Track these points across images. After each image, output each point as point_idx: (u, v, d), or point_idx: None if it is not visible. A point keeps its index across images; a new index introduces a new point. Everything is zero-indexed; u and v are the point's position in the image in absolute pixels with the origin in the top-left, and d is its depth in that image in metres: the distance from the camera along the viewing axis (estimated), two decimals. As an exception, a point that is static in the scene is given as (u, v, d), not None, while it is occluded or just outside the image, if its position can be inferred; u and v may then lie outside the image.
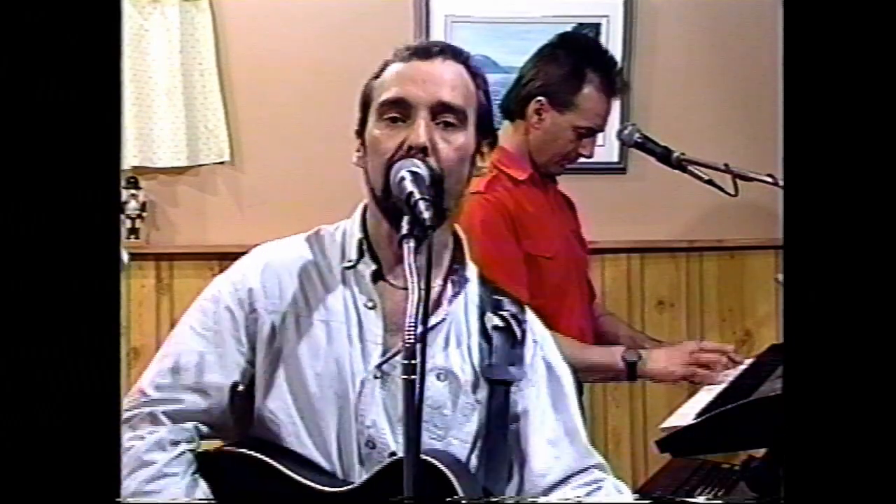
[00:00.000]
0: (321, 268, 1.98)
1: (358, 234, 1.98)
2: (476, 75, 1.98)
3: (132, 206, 3.94)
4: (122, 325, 3.97)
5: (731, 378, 2.83)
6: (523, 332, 2.03)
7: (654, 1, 4.21)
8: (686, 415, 2.58)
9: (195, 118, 4.02)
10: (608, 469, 2.04)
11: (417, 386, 1.55)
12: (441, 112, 1.89)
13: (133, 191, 3.95)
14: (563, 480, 1.97)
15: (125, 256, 2.48)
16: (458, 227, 2.06)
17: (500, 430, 1.96)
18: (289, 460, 1.90)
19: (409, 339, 1.55)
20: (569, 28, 3.94)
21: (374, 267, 1.96)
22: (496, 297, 2.07)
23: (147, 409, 1.92)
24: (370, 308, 1.95)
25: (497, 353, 1.98)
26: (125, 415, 1.91)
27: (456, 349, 1.97)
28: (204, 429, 1.96)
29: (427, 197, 1.74)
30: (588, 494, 1.94)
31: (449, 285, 2.00)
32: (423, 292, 1.59)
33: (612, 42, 4.09)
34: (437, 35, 4.03)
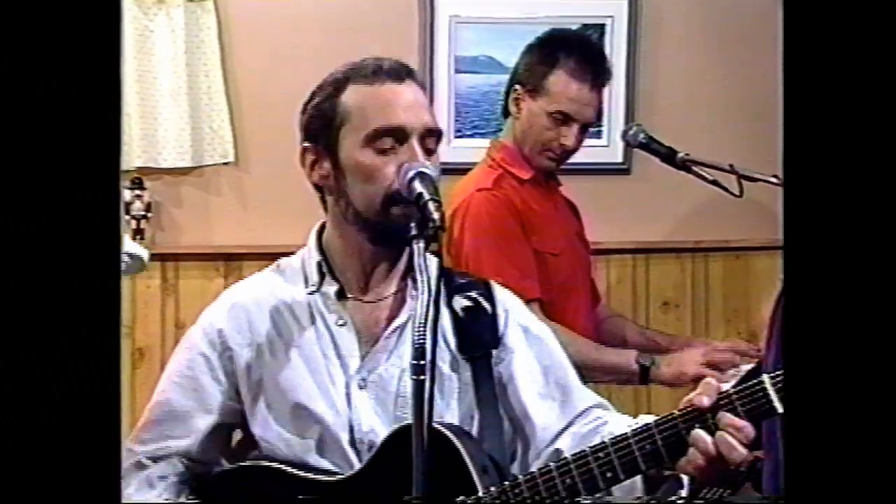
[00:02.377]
0: (286, 298, 2.02)
1: (316, 257, 2.02)
2: (426, 91, 2.03)
3: (137, 206, 3.94)
4: (127, 325, 3.99)
5: (735, 380, 2.83)
6: (493, 305, 2.05)
7: (658, 1, 4.22)
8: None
9: (200, 119, 4.03)
10: (610, 406, 2.06)
11: (427, 388, 1.58)
12: (426, 137, 1.92)
13: (138, 191, 3.94)
14: (566, 428, 1.99)
15: (145, 254, 2.46)
16: None
17: (490, 403, 1.98)
18: (292, 467, 1.94)
19: (420, 339, 1.57)
20: (573, 28, 3.94)
21: (335, 286, 1.99)
22: (461, 280, 2.10)
23: (133, 460, 1.98)
24: (341, 325, 1.99)
25: (470, 329, 2.01)
26: None
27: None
28: (191, 464, 2.01)
29: (437, 198, 1.76)
30: (594, 430, 1.95)
31: (409, 282, 2.01)
32: (432, 293, 1.62)
33: (617, 42, 4.13)
34: (442, 38, 4.04)
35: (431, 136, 1.93)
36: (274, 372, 1.97)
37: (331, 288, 1.99)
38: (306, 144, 2.02)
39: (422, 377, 1.57)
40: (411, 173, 1.82)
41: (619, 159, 4.19)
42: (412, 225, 1.76)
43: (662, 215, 4.29)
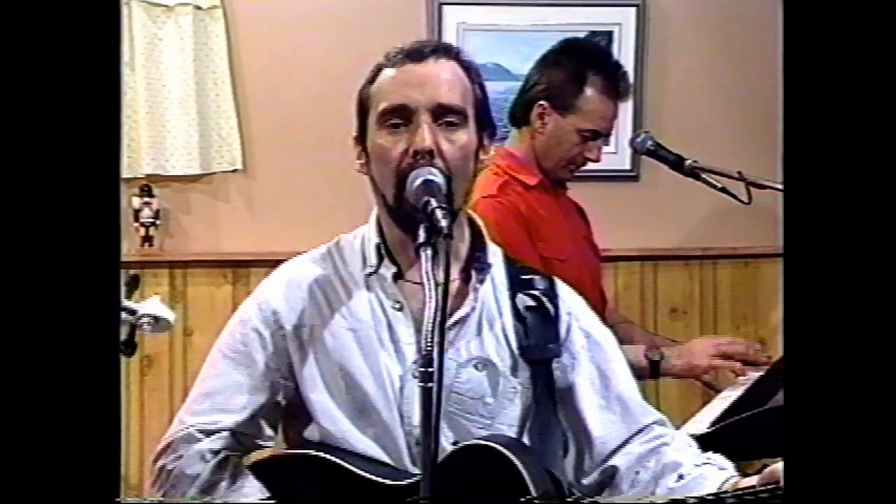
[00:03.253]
0: (343, 277, 2.00)
1: (375, 239, 1.99)
2: (469, 69, 1.97)
3: (146, 213, 3.96)
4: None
5: (745, 386, 2.82)
6: (556, 307, 2.03)
7: (666, 8, 4.23)
8: (700, 423, 2.57)
9: (208, 126, 4.05)
10: (669, 423, 2.02)
11: (435, 397, 1.55)
12: (442, 113, 1.89)
13: (146, 199, 3.96)
14: (625, 443, 1.96)
15: (171, 317, 2.41)
16: (472, 214, 2.07)
17: (548, 409, 1.96)
18: (349, 457, 1.92)
19: (428, 346, 1.55)
20: (581, 36, 3.94)
21: (394, 269, 1.97)
22: (524, 276, 2.06)
23: (184, 432, 1.97)
24: (398, 310, 1.96)
25: (532, 332, 1.98)
26: (165, 441, 1.99)
27: (490, 336, 1.97)
28: (243, 438, 2.00)
29: (444, 205, 1.75)
30: (653, 450, 1.93)
31: (473, 273, 2.00)
32: (440, 301, 1.60)
33: (625, 50, 4.12)
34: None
35: (448, 112, 1.90)
36: (330, 354, 1.95)
37: (388, 270, 1.97)
38: (354, 135, 2.01)
39: (429, 384, 1.55)
40: (417, 181, 1.82)
41: (628, 166, 4.20)
42: (420, 232, 1.73)
43: (671, 222, 4.28)
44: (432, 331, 1.56)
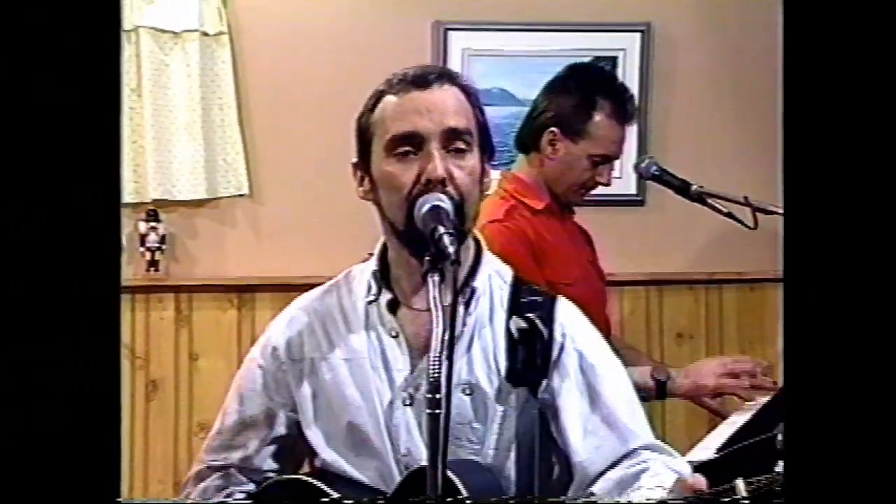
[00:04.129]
0: (345, 308, 2.03)
1: (374, 267, 2.01)
2: (470, 94, 1.97)
3: (152, 238, 3.97)
4: (141, 357, 4.00)
5: (753, 412, 2.81)
6: (550, 329, 1.99)
7: (671, 32, 4.24)
8: (707, 448, 2.56)
9: (214, 151, 4.07)
10: (661, 447, 1.97)
11: (442, 422, 1.56)
12: (451, 139, 1.89)
13: (153, 223, 3.97)
14: (610, 467, 1.93)
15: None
16: (478, 235, 2.06)
17: (535, 432, 1.95)
18: (348, 486, 1.96)
19: (434, 372, 1.56)
20: (586, 61, 3.95)
21: (389, 296, 1.98)
22: (525, 298, 2.03)
23: (197, 468, 2.11)
24: (393, 337, 1.98)
25: (521, 356, 1.97)
26: (186, 477, 2.14)
27: (481, 359, 1.97)
28: (252, 474, 2.08)
29: (451, 231, 1.75)
30: (633, 476, 1.89)
31: (468, 294, 1.98)
32: (448, 328, 1.60)
33: (629, 74, 4.13)
34: (455, 69, 4.04)
35: (458, 137, 1.90)
36: (327, 387, 1.99)
37: (384, 298, 1.98)
38: (354, 161, 2.01)
39: (437, 411, 1.54)
40: (425, 208, 1.82)
41: (634, 191, 4.21)
42: (427, 259, 1.74)
43: (677, 247, 4.29)
44: (440, 357, 1.56)
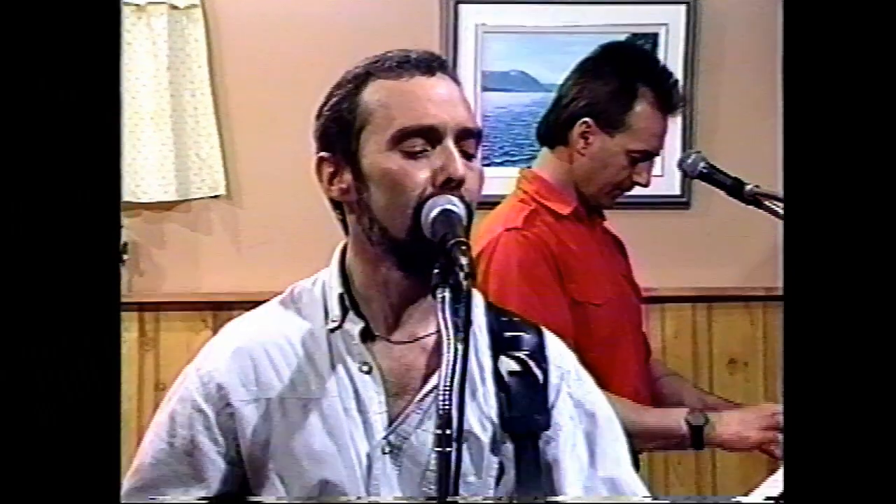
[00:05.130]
0: (303, 336, 1.93)
1: (338, 289, 1.93)
2: (461, 88, 1.95)
3: (112, 247, 3.93)
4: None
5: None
6: (545, 371, 1.99)
7: (720, 7, 4.19)
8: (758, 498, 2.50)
9: (186, 146, 4.04)
10: None
11: (454, 463, 1.58)
12: (463, 138, 1.86)
13: (113, 230, 3.94)
14: None
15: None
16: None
17: (532, 486, 1.93)
18: None
19: (444, 405, 1.55)
20: (621, 39, 3.91)
21: (361, 324, 1.91)
22: (509, 333, 2.02)
23: None
24: (365, 373, 1.90)
25: (517, 402, 1.95)
26: None
27: (472, 405, 1.92)
28: None
29: (464, 240, 1.72)
30: None
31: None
32: (461, 351, 1.60)
33: (672, 55, 4.09)
34: (468, 50, 4.02)
35: (469, 137, 1.86)
36: (285, 434, 1.88)
37: (354, 326, 1.90)
38: (323, 154, 1.92)
39: (447, 449, 1.54)
40: (434, 212, 1.78)
41: (677, 191, 4.19)
42: (435, 272, 1.69)
43: (728, 257, 4.26)
44: (450, 388, 1.56)
